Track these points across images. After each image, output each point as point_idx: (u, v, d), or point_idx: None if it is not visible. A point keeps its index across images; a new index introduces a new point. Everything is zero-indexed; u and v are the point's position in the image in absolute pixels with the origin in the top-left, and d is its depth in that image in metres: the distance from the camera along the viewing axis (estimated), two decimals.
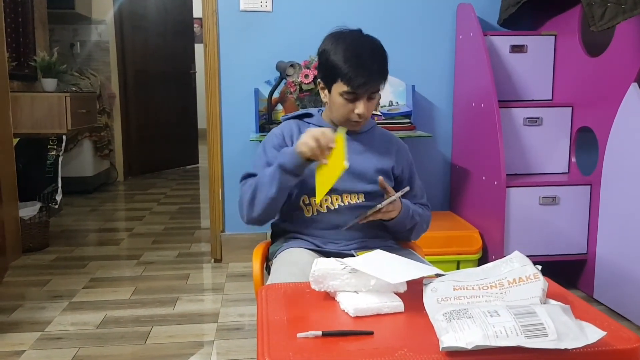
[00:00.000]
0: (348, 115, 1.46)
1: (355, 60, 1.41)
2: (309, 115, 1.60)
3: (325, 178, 1.33)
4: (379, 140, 1.59)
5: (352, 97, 1.43)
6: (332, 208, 1.49)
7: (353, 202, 1.49)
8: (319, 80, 1.54)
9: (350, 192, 1.49)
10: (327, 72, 1.47)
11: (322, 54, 1.49)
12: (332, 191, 1.46)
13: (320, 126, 1.55)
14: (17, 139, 3.21)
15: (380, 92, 1.49)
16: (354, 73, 1.40)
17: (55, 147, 3.47)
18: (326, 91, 1.50)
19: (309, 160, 1.34)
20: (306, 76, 2.54)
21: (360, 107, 1.44)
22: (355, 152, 1.52)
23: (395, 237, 1.57)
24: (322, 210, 1.49)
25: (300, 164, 1.35)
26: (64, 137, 3.54)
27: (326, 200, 1.49)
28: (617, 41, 2.25)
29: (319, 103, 2.48)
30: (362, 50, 1.44)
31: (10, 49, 3.69)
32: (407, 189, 1.40)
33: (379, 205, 1.37)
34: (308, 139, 1.30)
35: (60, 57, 4.30)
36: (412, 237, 1.58)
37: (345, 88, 1.42)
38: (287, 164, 1.36)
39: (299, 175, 1.38)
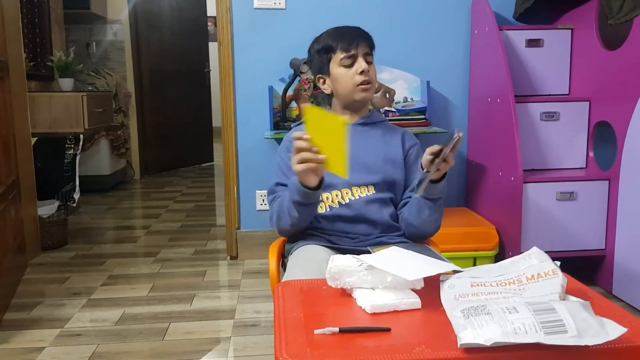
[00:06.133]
0: (353, 80, 1.52)
1: (340, 30, 1.56)
2: None
3: (334, 151, 1.22)
4: (385, 132, 1.61)
5: (350, 60, 1.51)
6: (344, 203, 1.50)
7: (363, 194, 1.50)
8: (318, 77, 1.61)
9: (360, 185, 1.51)
10: (321, 57, 1.57)
11: (310, 53, 1.62)
12: (342, 185, 1.49)
13: None
14: (35, 139, 3.25)
15: (372, 60, 1.55)
16: (341, 37, 1.52)
17: (72, 146, 3.52)
18: (327, 80, 1.57)
19: (314, 186, 1.32)
20: None
21: (360, 64, 1.51)
22: (363, 143, 1.54)
23: (422, 213, 1.45)
24: (334, 206, 1.50)
25: (308, 193, 1.34)
26: (81, 136, 3.58)
27: (337, 195, 1.51)
28: (635, 34, 2.21)
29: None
30: (343, 26, 1.58)
31: (28, 50, 3.74)
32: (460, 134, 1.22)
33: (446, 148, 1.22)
34: (295, 156, 1.27)
35: (77, 57, 4.36)
36: (435, 220, 1.47)
37: (340, 55, 1.52)
38: (300, 199, 1.36)
39: (315, 201, 1.40)
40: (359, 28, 1.58)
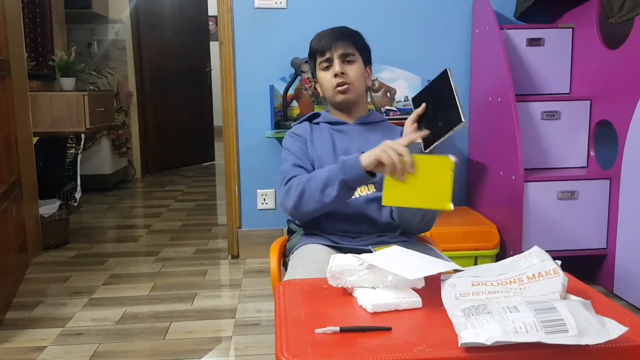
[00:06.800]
0: (331, 82, 1.53)
1: (320, 34, 1.58)
2: (317, 115, 1.65)
3: (406, 195, 1.21)
4: (385, 131, 1.61)
5: (327, 63, 1.54)
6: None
7: (364, 193, 1.50)
8: (313, 80, 1.66)
9: None
10: (311, 62, 1.62)
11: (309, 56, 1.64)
12: None
13: (329, 122, 1.58)
14: (37, 138, 3.25)
15: (356, 59, 1.54)
16: (320, 41, 1.55)
17: (74, 145, 3.52)
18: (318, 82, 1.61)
19: (372, 172, 1.29)
20: None
21: (336, 66, 1.52)
22: (362, 143, 1.54)
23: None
24: None
25: (363, 178, 1.30)
26: (83, 135, 3.58)
27: None
28: (636, 33, 2.21)
29: None
30: (326, 29, 1.59)
31: (29, 49, 3.74)
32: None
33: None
34: (390, 150, 1.21)
35: (78, 56, 4.36)
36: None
37: (319, 59, 1.55)
38: (350, 180, 1.31)
39: (356, 188, 1.38)
40: (339, 29, 1.57)
